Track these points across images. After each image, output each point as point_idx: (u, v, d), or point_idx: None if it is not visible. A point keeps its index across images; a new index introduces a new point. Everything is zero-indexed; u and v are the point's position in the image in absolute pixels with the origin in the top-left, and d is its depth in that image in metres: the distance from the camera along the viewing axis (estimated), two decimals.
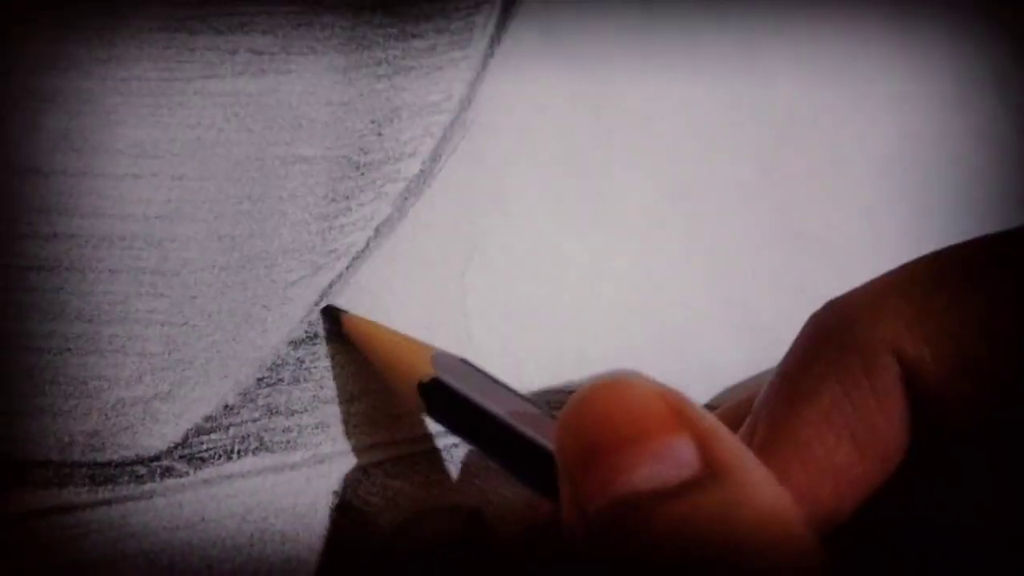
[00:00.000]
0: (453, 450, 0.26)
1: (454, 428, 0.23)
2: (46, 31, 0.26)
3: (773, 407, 0.20)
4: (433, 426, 0.26)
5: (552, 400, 0.26)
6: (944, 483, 0.20)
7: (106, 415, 0.24)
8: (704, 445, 0.18)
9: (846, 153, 0.31)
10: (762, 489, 0.18)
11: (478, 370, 0.23)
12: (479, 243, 0.27)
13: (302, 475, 0.25)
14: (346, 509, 0.25)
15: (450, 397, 0.22)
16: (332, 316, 0.25)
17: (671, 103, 0.29)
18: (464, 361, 0.24)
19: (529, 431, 0.21)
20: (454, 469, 0.25)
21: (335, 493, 0.25)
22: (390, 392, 0.25)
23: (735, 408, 0.23)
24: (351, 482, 0.25)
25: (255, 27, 0.27)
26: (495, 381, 0.23)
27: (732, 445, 0.18)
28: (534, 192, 0.28)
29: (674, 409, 0.18)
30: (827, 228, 0.30)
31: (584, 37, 0.29)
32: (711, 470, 0.18)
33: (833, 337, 0.20)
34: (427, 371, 0.23)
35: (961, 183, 0.31)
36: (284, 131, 0.26)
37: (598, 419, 0.18)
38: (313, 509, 0.25)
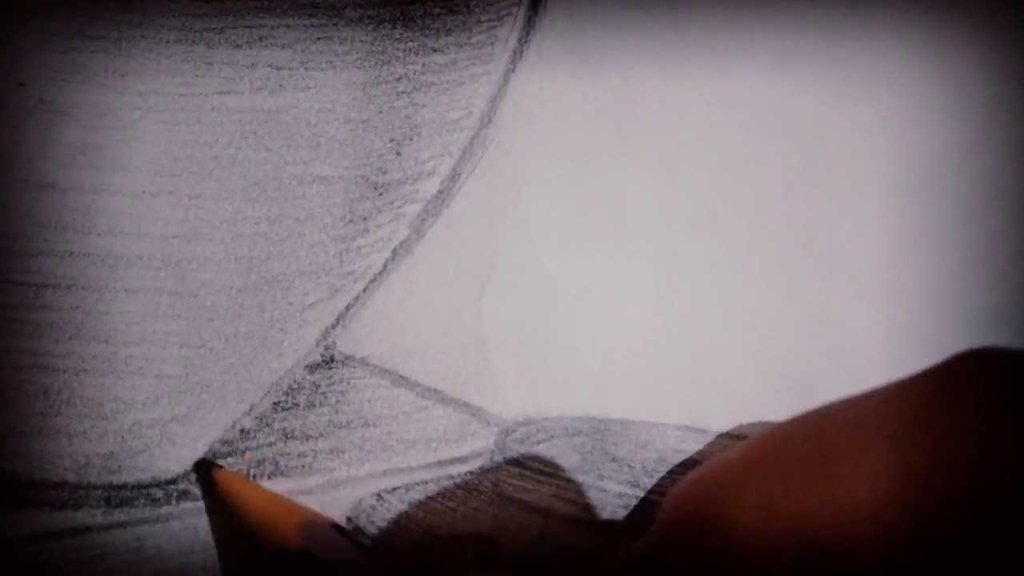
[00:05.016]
0: (467, 478, 0.25)
1: None
2: (63, 43, 0.25)
3: None
4: (445, 454, 0.25)
5: (569, 428, 0.26)
6: None
7: (122, 437, 0.24)
8: None
9: (872, 174, 0.30)
10: None
11: (350, 538, 0.23)
12: (497, 265, 0.27)
13: (316, 500, 0.25)
14: (359, 535, 0.25)
15: (314, 571, 0.22)
16: (204, 472, 0.24)
17: (696, 122, 0.29)
18: (336, 526, 0.23)
19: None
20: (468, 497, 0.25)
21: (349, 519, 0.25)
22: (404, 419, 0.25)
23: None
24: (365, 508, 0.25)
25: (274, 41, 0.26)
26: (368, 549, 0.23)
27: None
28: (554, 212, 0.27)
29: None
30: (851, 254, 0.29)
31: (608, 52, 0.28)
32: None
33: None
34: (293, 540, 0.22)
35: (991, 202, 0.31)
36: (302, 150, 0.26)
37: None
38: None
